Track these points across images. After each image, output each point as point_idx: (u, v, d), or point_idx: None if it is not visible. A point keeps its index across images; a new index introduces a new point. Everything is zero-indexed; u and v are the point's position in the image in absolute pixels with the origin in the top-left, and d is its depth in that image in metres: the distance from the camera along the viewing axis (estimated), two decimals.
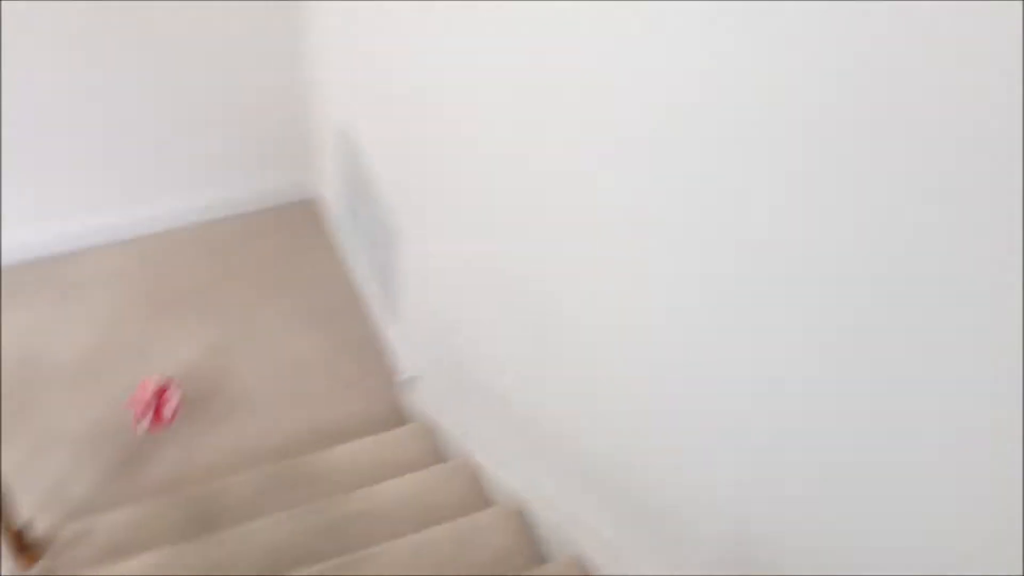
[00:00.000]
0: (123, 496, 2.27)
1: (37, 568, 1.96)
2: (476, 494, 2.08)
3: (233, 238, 2.84)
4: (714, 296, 1.10)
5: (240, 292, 2.72)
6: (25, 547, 1.95)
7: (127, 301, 2.62)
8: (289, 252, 2.85)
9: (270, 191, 2.91)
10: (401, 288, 2.40)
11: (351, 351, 2.64)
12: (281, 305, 2.71)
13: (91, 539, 2.06)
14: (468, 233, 1.87)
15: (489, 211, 1.73)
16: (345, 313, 2.72)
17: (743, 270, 1.02)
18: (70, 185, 2.59)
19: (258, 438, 2.43)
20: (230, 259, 2.79)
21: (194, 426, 2.41)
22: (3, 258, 2.62)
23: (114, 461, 2.33)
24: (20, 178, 2.50)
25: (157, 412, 2.40)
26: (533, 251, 1.58)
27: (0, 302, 2.57)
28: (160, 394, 2.41)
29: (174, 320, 2.61)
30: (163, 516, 2.13)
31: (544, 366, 1.67)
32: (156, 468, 2.33)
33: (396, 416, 2.53)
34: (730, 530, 1.22)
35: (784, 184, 0.93)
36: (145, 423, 2.39)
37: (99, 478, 2.30)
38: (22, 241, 2.62)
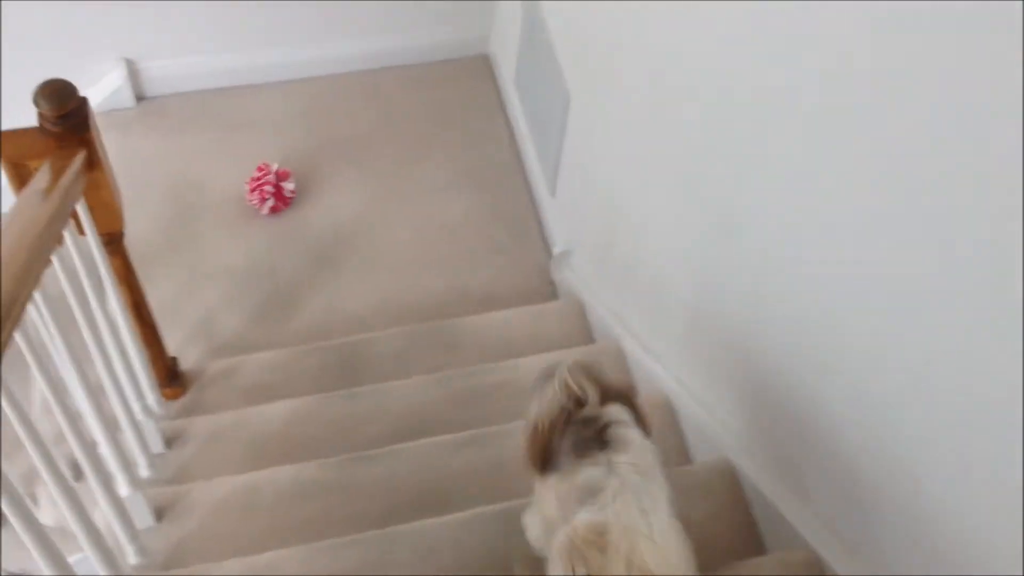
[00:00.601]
0: (269, 337, 2.26)
1: (181, 401, 1.98)
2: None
3: (398, 89, 2.73)
4: (899, 201, 0.94)
5: (400, 144, 2.62)
6: (172, 378, 1.97)
7: (287, 143, 2.57)
8: (454, 108, 2.71)
9: (441, 43, 2.76)
10: (565, 160, 2.24)
11: (505, 218, 2.51)
12: (439, 161, 2.60)
13: (235, 378, 2.06)
14: (644, 113, 1.69)
15: (671, 91, 1.54)
16: (504, 177, 2.59)
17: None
18: (242, 17, 2.52)
19: (402, 294, 2.36)
20: (393, 110, 2.68)
21: (341, 277, 2.36)
22: (171, 85, 2.60)
23: (263, 301, 2.32)
24: (193, 7, 2.44)
25: (278, 193, 2.42)
26: (716, 140, 1.40)
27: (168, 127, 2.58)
28: (281, 176, 2.43)
29: (330, 167, 2.54)
30: (306, 363, 2.10)
31: (714, 264, 1.50)
32: (301, 313, 2.31)
33: (546, 289, 2.41)
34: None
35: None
36: (269, 203, 2.42)
37: (247, 317, 2.30)
38: (191, 71, 2.59)
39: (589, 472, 1.10)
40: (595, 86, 1.96)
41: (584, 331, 2.18)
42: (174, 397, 1.97)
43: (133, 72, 2.52)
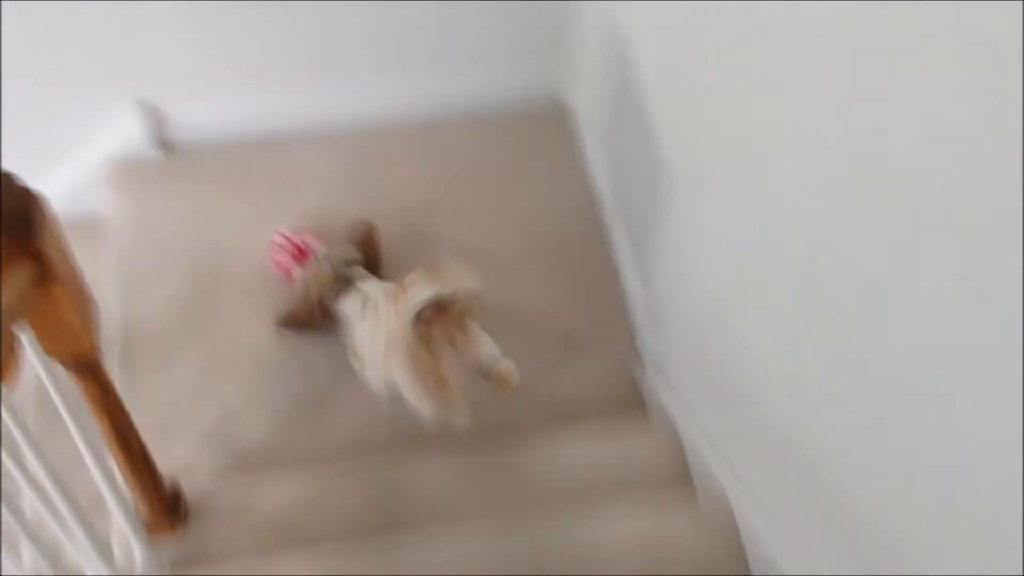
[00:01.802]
0: (298, 446, 1.89)
1: (181, 540, 1.61)
2: (735, 556, 1.53)
3: (461, 142, 2.33)
4: None
5: (460, 209, 2.22)
6: (171, 511, 1.60)
7: (331, 204, 2.18)
8: (525, 166, 2.30)
9: (511, 88, 2.35)
10: (663, 247, 1.82)
11: (585, 304, 2.10)
12: (507, 230, 2.19)
13: (251, 511, 1.68)
14: (775, 201, 1.27)
15: (810, 183, 1.13)
16: (584, 254, 2.17)
17: None
18: (287, 58, 2.14)
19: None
20: (454, 167, 2.29)
21: None
22: (200, 134, 2.23)
23: (293, 399, 1.94)
24: (228, 41, 2.07)
25: (301, 253, 2.01)
26: (866, 253, 1.00)
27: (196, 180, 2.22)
28: (304, 237, 2.03)
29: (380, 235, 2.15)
30: (338, 492, 1.72)
31: (844, 397, 1.08)
32: (339, 417, 1.92)
33: (627, 393, 1.99)
34: None
35: None
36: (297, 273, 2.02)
37: (274, 419, 1.92)
38: (224, 117, 2.22)
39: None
40: (707, 172, 1.53)
41: (679, 466, 1.76)
42: (172, 532, 1.60)
43: (156, 116, 2.16)
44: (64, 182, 2.22)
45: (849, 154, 1.05)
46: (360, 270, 1.88)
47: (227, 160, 2.23)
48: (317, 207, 2.17)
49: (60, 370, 1.28)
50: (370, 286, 1.83)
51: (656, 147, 1.73)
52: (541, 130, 2.36)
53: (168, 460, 1.82)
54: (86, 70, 2.04)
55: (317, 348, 1.97)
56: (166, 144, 2.22)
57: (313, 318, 1.91)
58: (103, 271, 2.09)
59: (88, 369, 1.32)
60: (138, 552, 1.49)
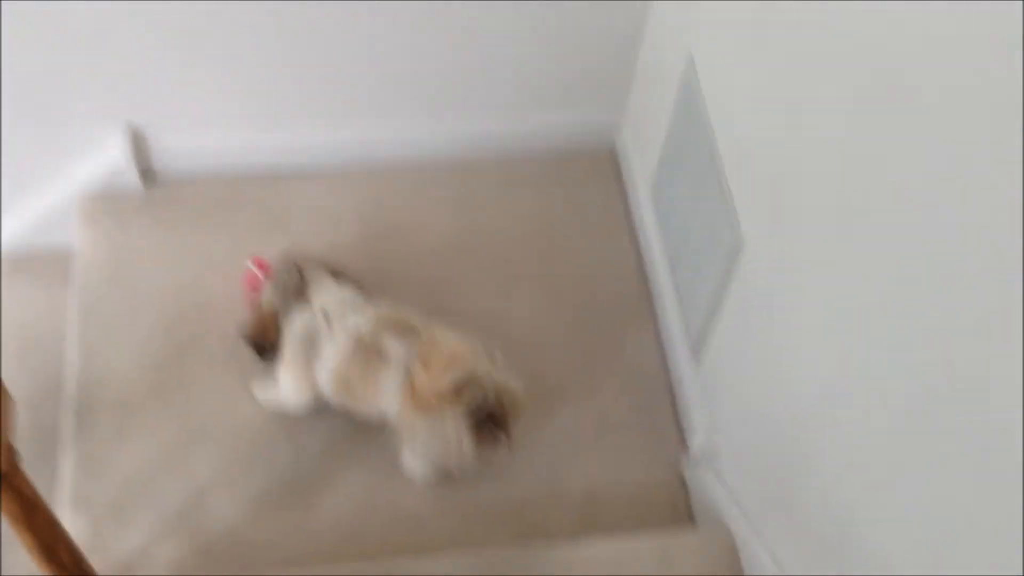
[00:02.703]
0: (277, 535, 1.58)
1: None
2: None
3: (492, 187, 2.04)
4: None
5: (490, 264, 1.93)
6: None
7: (334, 254, 1.89)
8: (564, 218, 2.01)
9: (552, 130, 2.07)
10: (723, 321, 1.53)
11: (625, 378, 1.80)
12: (541, 289, 1.90)
13: None
14: (887, 289, 0.99)
15: (944, 270, 0.86)
16: (627, 319, 1.88)
17: None
18: (290, 82, 1.87)
19: (474, 481, 1.66)
20: (483, 217, 1.99)
21: (389, 452, 1.66)
22: (189, 165, 1.95)
23: (274, 478, 1.64)
24: (224, 64, 1.80)
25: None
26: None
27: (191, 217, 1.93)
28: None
29: (393, 292, 1.85)
30: None
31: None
32: (328, 501, 1.62)
33: (674, 493, 1.68)
34: None
35: None
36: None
37: (250, 501, 1.61)
38: (216, 148, 1.94)
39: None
40: (796, 245, 1.25)
41: None
42: None
43: (140, 144, 1.88)
44: (36, 211, 1.94)
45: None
46: (319, 281, 1.62)
47: (217, 194, 1.94)
48: (312, 242, 1.88)
49: None
50: (328, 299, 1.58)
51: (727, 211, 1.45)
52: (586, 180, 2.07)
53: (123, 547, 1.53)
54: (68, 90, 1.77)
55: (307, 420, 1.66)
56: (149, 175, 1.94)
57: (267, 334, 1.62)
58: (67, 315, 1.80)
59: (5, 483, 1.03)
60: None
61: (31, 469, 1.74)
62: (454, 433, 1.47)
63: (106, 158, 1.87)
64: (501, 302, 1.87)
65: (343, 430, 1.67)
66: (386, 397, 1.51)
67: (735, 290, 1.48)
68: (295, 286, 1.61)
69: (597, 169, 2.09)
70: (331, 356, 1.53)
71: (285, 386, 1.60)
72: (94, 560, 1.51)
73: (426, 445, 1.54)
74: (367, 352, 1.51)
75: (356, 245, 1.90)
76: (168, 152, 1.91)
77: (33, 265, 2.00)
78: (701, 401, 1.68)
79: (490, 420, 1.47)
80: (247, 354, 1.68)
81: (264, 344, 1.63)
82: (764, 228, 1.35)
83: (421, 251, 1.92)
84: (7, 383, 1.14)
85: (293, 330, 1.56)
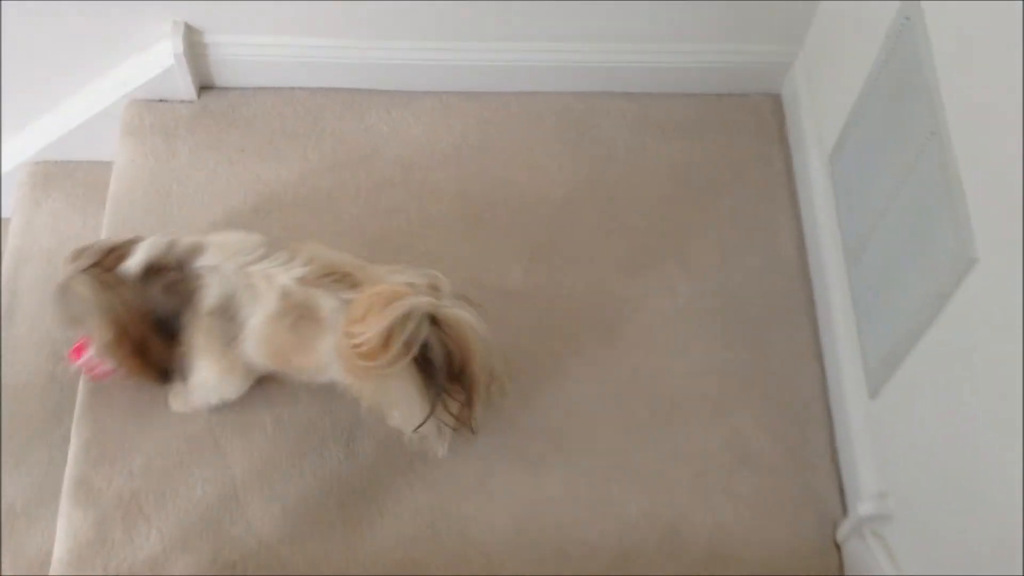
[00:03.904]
0: (322, 558, 1.27)
1: None
2: None
3: (620, 130, 1.62)
4: None
5: (609, 231, 1.54)
6: None
7: (421, 197, 1.53)
8: (705, 181, 1.60)
9: (698, 62, 1.63)
10: (922, 350, 1.12)
11: (766, 406, 1.41)
12: (670, 273, 1.50)
13: None
14: None
15: None
16: (778, 323, 1.47)
17: None
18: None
19: (562, 517, 1.32)
20: (607, 167, 1.59)
21: (461, 469, 1.32)
22: (253, 74, 1.59)
23: (322, 487, 1.32)
24: None
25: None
26: None
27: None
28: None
29: (492, 257, 1.49)
30: None
31: None
32: (383, 524, 1.30)
33: (822, 560, 1.31)
34: None
35: None
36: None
37: (292, 511, 1.30)
38: (287, 56, 1.56)
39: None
40: None
41: None
42: None
43: (195, 44, 1.52)
44: (77, 115, 1.62)
45: None
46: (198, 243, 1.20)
47: (284, 113, 1.58)
48: (400, 197, 1.51)
49: None
50: (229, 255, 1.18)
51: (954, 211, 1.02)
52: (739, 130, 1.63)
53: (131, 553, 1.25)
54: None
55: (366, 420, 1.33)
56: (205, 82, 1.59)
57: (149, 356, 1.22)
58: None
59: None
60: None
61: (41, 430, 1.50)
62: (401, 394, 1.17)
63: (155, 59, 1.51)
64: (621, 280, 1.48)
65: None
66: (330, 364, 1.18)
67: (950, 315, 1.07)
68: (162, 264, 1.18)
69: (755, 118, 1.65)
70: (255, 324, 1.18)
71: (204, 377, 1.25)
72: (94, 566, 1.24)
73: (392, 413, 1.24)
74: (297, 312, 1.17)
75: (448, 191, 1.53)
76: (228, 56, 1.54)
77: (71, 177, 1.69)
78: (872, 450, 1.28)
79: (443, 369, 1.15)
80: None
81: (160, 368, 1.25)
82: (1012, 242, 0.93)
83: (526, 205, 1.53)
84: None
85: (200, 306, 1.18)
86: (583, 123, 1.61)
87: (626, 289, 1.47)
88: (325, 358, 1.18)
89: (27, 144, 1.67)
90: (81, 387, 1.36)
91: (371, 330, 1.07)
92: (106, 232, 1.47)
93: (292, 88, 1.58)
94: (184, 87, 1.55)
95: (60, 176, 1.68)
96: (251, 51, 1.53)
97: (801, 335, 1.45)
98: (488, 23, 1.51)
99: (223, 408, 1.33)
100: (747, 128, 1.63)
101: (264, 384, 1.34)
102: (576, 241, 1.50)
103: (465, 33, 1.53)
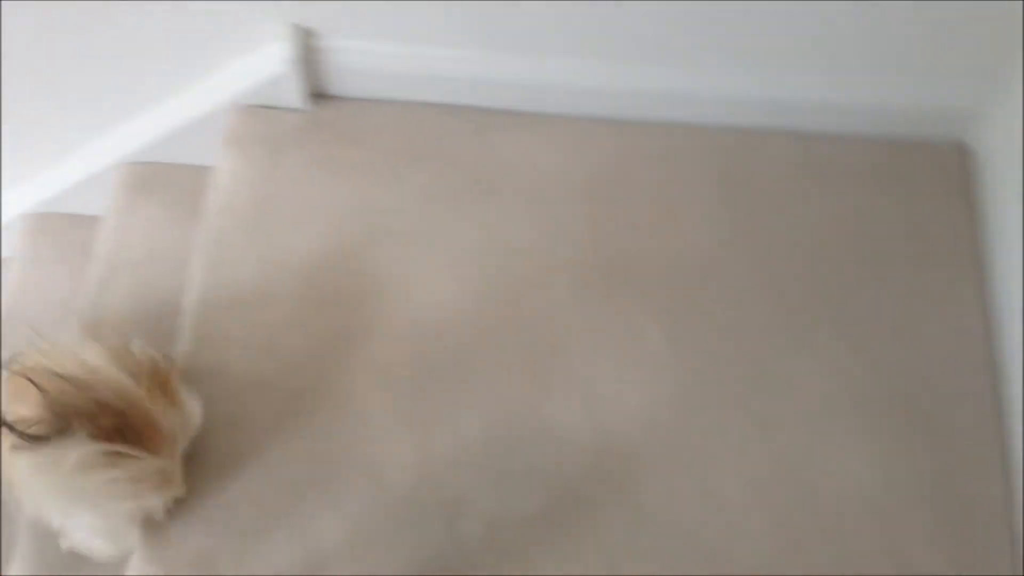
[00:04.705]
0: None
1: None
2: None
3: (775, 170, 1.43)
4: None
5: (758, 293, 1.34)
6: None
7: (546, 238, 1.35)
8: (875, 234, 1.39)
9: (869, 100, 1.41)
10: None
11: (938, 521, 1.19)
12: (831, 348, 1.30)
13: None
14: None
15: None
16: (950, 429, 1.26)
17: None
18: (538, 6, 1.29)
19: None
20: (761, 217, 1.39)
21: (570, 536, 1.15)
22: (372, 85, 1.43)
23: (426, 557, 1.16)
24: None
25: None
26: None
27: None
28: None
29: (614, 308, 1.31)
30: None
31: None
32: None
33: None
34: None
35: None
36: None
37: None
38: (412, 67, 1.39)
39: None
40: None
41: None
42: None
43: (310, 50, 1.37)
44: (181, 117, 1.49)
45: None
46: None
47: (403, 131, 1.42)
48: (524, 223, 1.34)
49: None
50: None
51: None
52: (915, 183, 1.42)
53: None
54: None
55: (481, 490, 1.17)
56: (318, 92, 1.43)
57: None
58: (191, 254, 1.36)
59: None
60: None
61: None
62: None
63: (265, 62, 1.37)
64: (772, 351, 1.28)
65: (525, 517, 1.16)
66: None
67: None
68: None
69: (939, 170, 1.43)
70: None
71: None
72: None
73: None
74: None
75: (578, 232, 1.35)
76: (346, 64, 1.38)
77: (170, 182, 1.56)
78: None
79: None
80: (413, 369, 1.20)
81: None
82: None
83: (666, 255, 1.34)
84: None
85: None
86: (737, 164, 1.41)
87: (777, 362, 1.27)
88: None
89: (125, 143, 1.55)
90: None
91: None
92: (201, 253, 1.33)
93: (415, 103, 1.42)
94: (295, 95, 1.40)
95: (158, 180, 1.56)
96: (372, 60, 1.37)
97: (983, 433, 1.24)
98: (637, 44, 1.33)
99: (317, 467, 1.19)
100: (928, 181, 1.41)
101: (362, 445, 1.19)
102: (721, 302, 1.31)
103: (611, 53, 1.34)
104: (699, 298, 1.30)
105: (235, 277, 1.31)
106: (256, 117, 1.41)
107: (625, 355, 1.25)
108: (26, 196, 1.76)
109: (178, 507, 1.16)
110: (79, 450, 0.94)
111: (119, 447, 0.97)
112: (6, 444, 0.94)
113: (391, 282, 1.30)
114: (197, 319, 1.28)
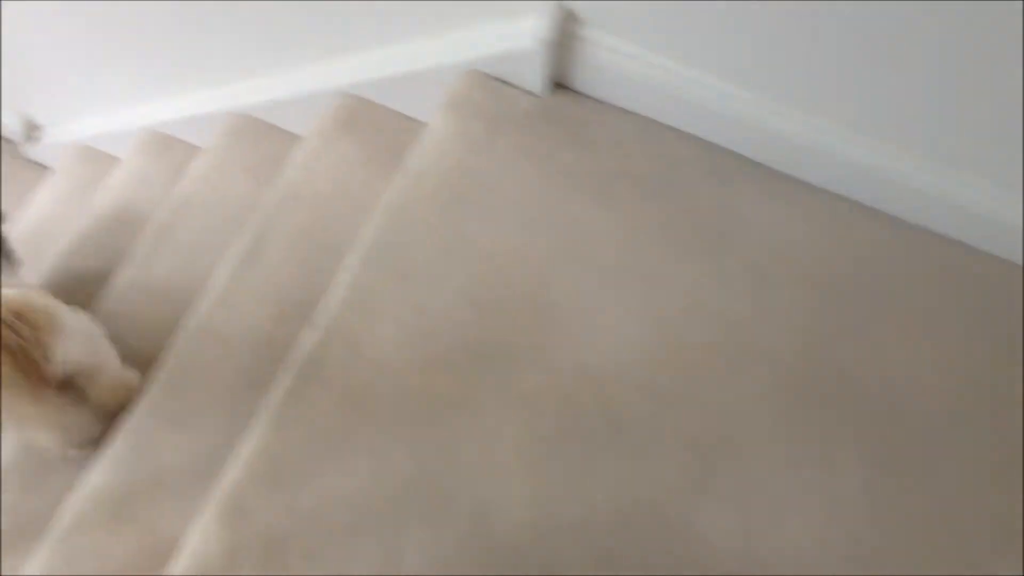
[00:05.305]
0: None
1: None
2: None
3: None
4: None
5: (997, 449, 1.10)
6: None
7: (765, 308, 1.16)
8: None
9: None
10: None
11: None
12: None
13: None
14: None
15: None
16: None
17: None
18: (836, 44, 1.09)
19: None
20: (1018, 364, 1.15)
21: None
22: (617, 89, 1.27)
23: None
24: None
25: None
26: None
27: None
28: None
29: (813, 421, 1.10)
30: None
31: None
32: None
33: None
34: None
35: None
36: None
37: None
38: (672, 78, 1.23)
39: None
40: None
41: None
42: None
43: (566, 34, 1.22)
44: (407, 63, 1.39)
45: None
46: None
47: (640, 153, 1.25)
48: (740, 300, 1.15)
49: None
50: None
51: None
52: None
53: None
54: None
55: (568, 539, 1.00)
56: (560, 80, 1.29)
57: None
58: (373, 204, 1.25)
59: None
60: None
61: (228, 394, 1.29)
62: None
63: (515, 33, 1.23)
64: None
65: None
66: None
67: None
68: None
69: None
70: None
71: None
72: None
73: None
74: None
75: (796, 323, 1.15)
76: (601, 61, 1.23)
77: (376, 125, 1.47)
78: None
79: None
80: (560, 412, 1.04)
81: None
82: None
83: (890, 382, 1.12)
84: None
85: None
86: (999, 296, 1.17)
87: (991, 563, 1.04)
88: None
89: (349, 73, 1.47)
90: (288, 380, 1.12)
91: None
92: (383, 211, 1.22)
93: (657, 122, 1.25)
94: (534, 78, 1.26)
95: (367, 118, 1.46)
96: (630, 64, 1.21)
97: None
98: (946, 141, 1.11)
99: (426, 484, 1.05)
100: None
101: (479, 477, 1.04)
102: (949, 463, 1.08)
103: (910, 142, 1.13)
104: (922, 450, 1.08)
105: (408, 247, 1.18)
106: (486, 88, 1.28)
107: (808, 484, 1.05)
108: (239, 95, 1.72)
109: (261, 472, 1.05)
110: None
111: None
112: None
113: (569, 310, 1.14)
114: (355, 278, 1.16)
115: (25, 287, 1.23)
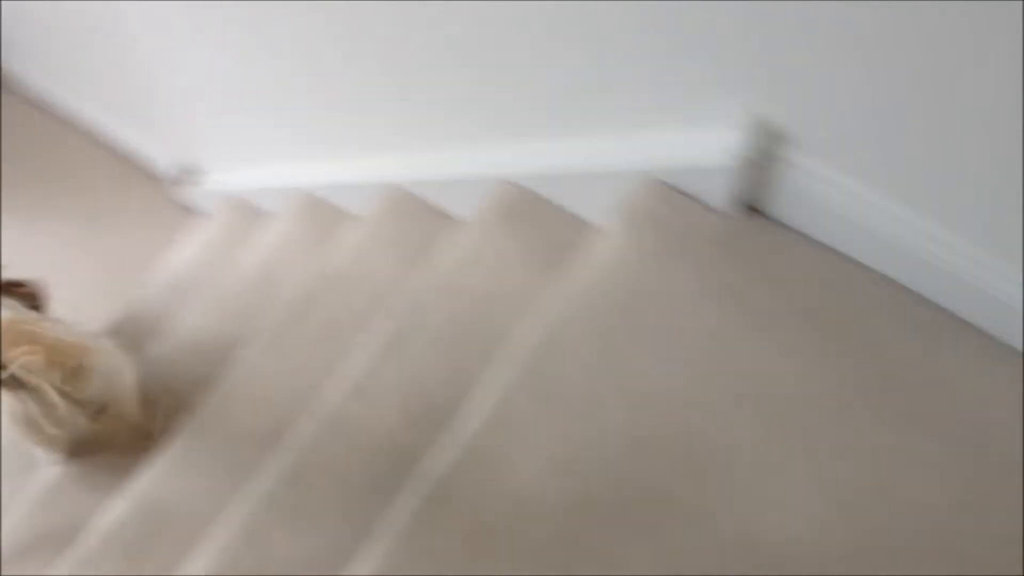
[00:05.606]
0: None
1: None
2: None
3: None
4: None
5: None
6: None
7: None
8: None
9: None
10: None
11: None
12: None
13: None
14: None
15: None
16: None
17: None
18: None
19: None
20: None
21: None
22: (844, 232, 1.14)
23: None
24: None
25: None
26: None
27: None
28: None
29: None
30: None
31: None
32: None
33: None
34: None
35: None
36: None
37: None
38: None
39: None
40: None
41: None
42: None
43: (767, 155, 1.10)
44: (585, 161, 1.30)
45: None
46: None
47: (832, 292, 1.11)
48: (945, 479, 0.99)
49: None
50: None
51: None
52: None
53: None
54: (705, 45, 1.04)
55: None
56: (753, 203, 1.17)
57: None
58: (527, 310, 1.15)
59: None
60: None
61: (351, 498, 1.20)
62: None
63: (709, 148, 1.12)
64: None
65: None
66: None
67: None
68: None
69: None
70: None
71: None
72: None
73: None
74: None
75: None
76: (802, 188, 1.10)
77: (540, 222, 1.38)
78: None
79: None
80: None
81: None
82: None
83: None
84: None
85: None
86: None
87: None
88: None
89: (522, 160, 1.39)
90: (416, 502, 1.02)
91: None
92: (538, 321, 1.12)
93: (858, 263, 1.11)
94: (723, 197, 1.14)
95: (530, 213, 1.38)
96: (842, 197, 1.07)
97: None
98: None
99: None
100: None
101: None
102: None
103: None
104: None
105: (565, 369, 1.08)
106: (669, 202, 1.17)
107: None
108: (400, 168, 1.67)
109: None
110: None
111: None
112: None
113: (740, 467, 1.00)
114: (502, 396, 1.06)
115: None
